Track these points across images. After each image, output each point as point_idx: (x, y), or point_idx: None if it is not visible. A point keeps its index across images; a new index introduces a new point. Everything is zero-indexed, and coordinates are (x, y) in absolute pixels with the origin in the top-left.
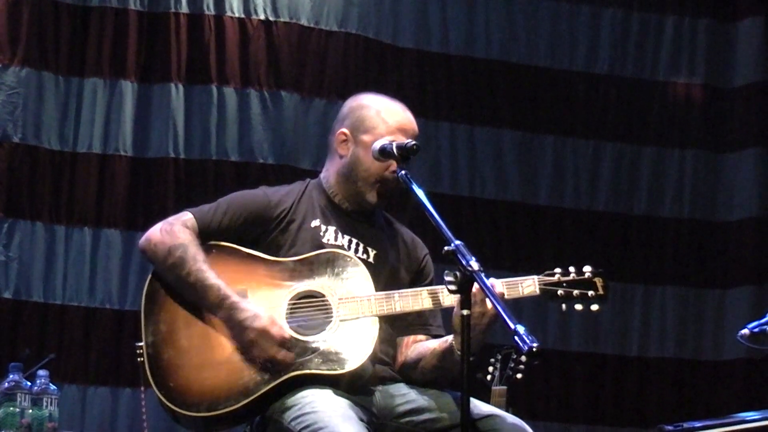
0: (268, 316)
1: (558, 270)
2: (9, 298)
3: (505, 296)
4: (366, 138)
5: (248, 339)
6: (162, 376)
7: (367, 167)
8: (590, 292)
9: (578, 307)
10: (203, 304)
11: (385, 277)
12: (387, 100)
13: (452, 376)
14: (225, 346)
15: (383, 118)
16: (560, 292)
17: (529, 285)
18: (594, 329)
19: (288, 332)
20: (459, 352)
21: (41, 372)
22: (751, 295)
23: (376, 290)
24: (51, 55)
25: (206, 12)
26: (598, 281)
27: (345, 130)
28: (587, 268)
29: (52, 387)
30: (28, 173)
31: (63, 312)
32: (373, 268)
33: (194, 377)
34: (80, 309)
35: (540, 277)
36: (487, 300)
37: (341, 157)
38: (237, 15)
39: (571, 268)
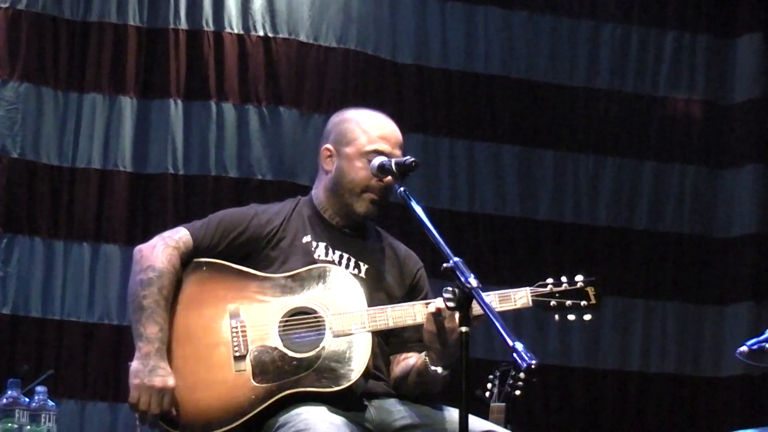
0: (171, 381)
1: (550, 280)
2: (7, 313)
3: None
4: (348, 150)
5: (132, 384)
6: None
7: (352, 178)
8: (582, 302)
9: (571, 317)
10: (133, 330)
11: (378, 293)
12: (368, 111)
13: (435, 392)
14: (219, 366)
15: (363, 129)
16: (553, 303)
17: (521, 297)
18: (594, 344)
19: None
20: (432, 368)
21: (39, 388)
22: (750, 311)
23: (369, 305)
24: (50, 70)
25: (205, 28)
26: (591, 290)
27: (329, 145)
28: (579, 278)
29: (51, 403)
30: (26, 188)
31: (61, 327)
32: (364, 284)
33: (188, 398)
34: (79, 324)
35: (533, 288)
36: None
37: (327, 172)
38: (236, 31)
39: (564, 278)
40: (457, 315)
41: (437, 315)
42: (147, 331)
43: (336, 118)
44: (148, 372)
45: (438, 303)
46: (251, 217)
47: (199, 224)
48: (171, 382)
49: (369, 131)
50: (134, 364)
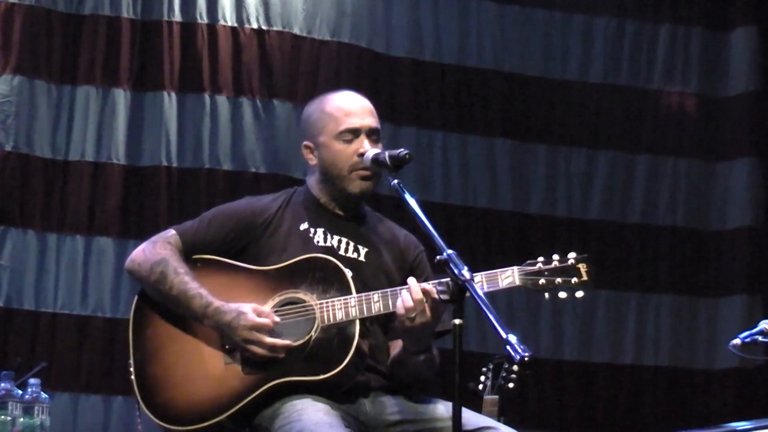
0: (252, 308)
1: (540, 259)
2: (0, 306)
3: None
4: (323, 139)
5: (241, 338)
6: (149, 393)
7: (336, 163)
8: (573, 279)
9: (562, 295)
10: (189, 314)
11: (378, 275)
12: (330, 94)
13: (425, 376)
14: (210, 360)
15: (328, 113)
16: (542, 281)
17: (508, 276)
18: (588, 337)
19: (275, 318)
20: (411, 354)
21: (33, 380)
22: (744, 304)
23: (367, 289)
24: (43, 63)
25: (199, 21)
26: (582, 267)
27: (306, 141)
28: (572, 255)
29: (44, 395)
30: (20, 181)
31: (55, 320)
32: (364, 267)
33: (180, 392)
34: (72, 317)
35: (521, 267)
36: (427, 307)
37: (313, 166)
38: (230, 24)
39: (555, 256)
40: (428, 309)
41: (411, 309)
42: (195, 306)
43: (304, 113)
44: (234, 328)
45: (407, 301)
46: (245, 207)
47: (190, 223)
48: (246, 313)
49: (334, 113)
50: (227, 339)
